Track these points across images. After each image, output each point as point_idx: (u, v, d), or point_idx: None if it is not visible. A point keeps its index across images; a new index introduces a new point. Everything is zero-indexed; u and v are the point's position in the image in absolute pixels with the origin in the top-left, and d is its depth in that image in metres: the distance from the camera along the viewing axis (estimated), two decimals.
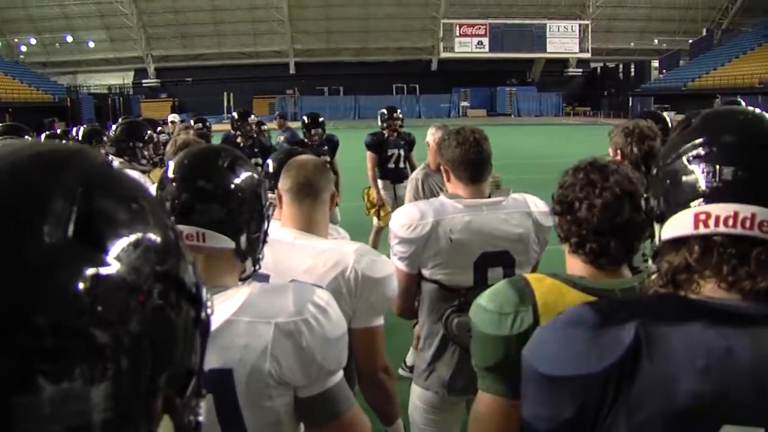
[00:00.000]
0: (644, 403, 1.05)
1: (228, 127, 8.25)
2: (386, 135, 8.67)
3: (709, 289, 1.13)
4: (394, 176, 8.64)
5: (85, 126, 8.00)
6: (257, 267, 1.86)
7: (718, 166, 1.13)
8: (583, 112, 56.74)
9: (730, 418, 1.03)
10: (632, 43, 61.34)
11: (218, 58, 60.12)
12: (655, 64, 57.89)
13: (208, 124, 9.76)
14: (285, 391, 1.68)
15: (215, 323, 1.59)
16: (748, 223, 1.09)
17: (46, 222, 0.55)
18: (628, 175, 1.89)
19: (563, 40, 58.42)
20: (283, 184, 2.46)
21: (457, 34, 57.24)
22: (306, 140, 8.32)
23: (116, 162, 5.01)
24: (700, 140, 1.17)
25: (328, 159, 8.17)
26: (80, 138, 6.79)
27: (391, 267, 2.43)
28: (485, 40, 57.45)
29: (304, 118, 8.57)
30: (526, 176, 12.04)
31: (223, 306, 1.63)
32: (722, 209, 1.11)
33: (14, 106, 35.42)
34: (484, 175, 2.95)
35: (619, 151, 3.47)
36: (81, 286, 0.54)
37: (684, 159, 1.18)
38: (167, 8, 56.77)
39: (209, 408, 1.61)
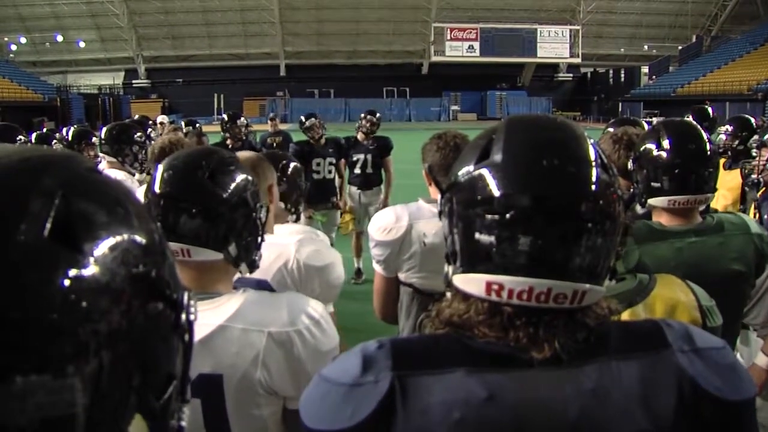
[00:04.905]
0: None
1: (218, 128, 8.21)
2: (356, 138, 8.53)
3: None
4: (361, 182, 8.46)
5: (75, 126, 7.99)
6: (256, 266, 1.86)
7: (515, 235, 1.04)
8: (573, 117, 56.65)
9: None
10: (622, 49, 61.47)
11: (209, 60, 59.90)
12: (645, 69, 57.88)
13: (198, 126, 9.70)
14: (274, 401, 1.68)
15: (208, 328, 1.60)
16: (543, 297, 1.04)
17: (23, 222, 0.56)
18: None
19: (554, 45, 58.44)
20: None
21: (448, 38, 57.22)
22: (310, 140, 8.14)
23: (105, 164, 5.01)
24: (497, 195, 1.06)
25: (334, 161, 8.09)
26: (69, 138, 6.79)
27: (333, 255, 2.45)
28: (476, 45, 57.45)
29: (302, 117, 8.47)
30: None
31: (217, 312, 1.63)
32: (516, 283, 1.05)
33: (3, 105, 35.19)
34: None
35: None
36: (55, 284, 0.55)
37: (477, 215, 1.08)
38: (158, 9, 56.49)
39: (196, 412, 1.62)
